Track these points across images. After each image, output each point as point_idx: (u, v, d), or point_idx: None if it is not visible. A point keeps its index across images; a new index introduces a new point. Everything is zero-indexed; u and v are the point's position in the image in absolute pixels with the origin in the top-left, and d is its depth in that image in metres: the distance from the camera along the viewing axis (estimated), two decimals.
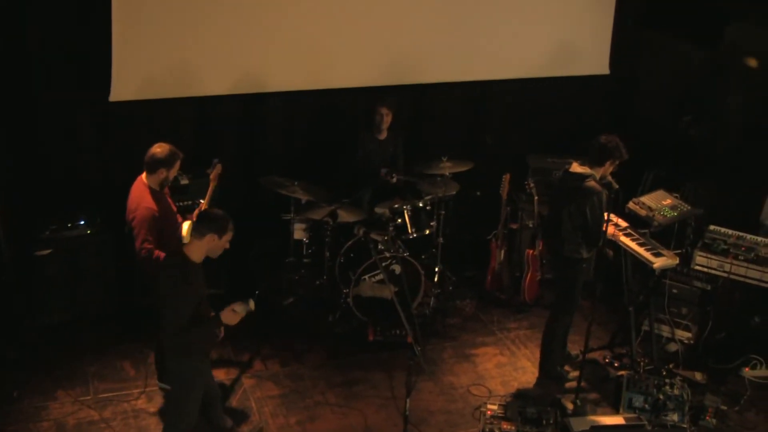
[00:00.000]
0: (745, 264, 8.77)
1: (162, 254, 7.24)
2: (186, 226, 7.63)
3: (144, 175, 7.50)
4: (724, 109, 10.92)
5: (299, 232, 9.58)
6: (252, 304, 6.51)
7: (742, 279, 8.84)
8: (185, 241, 7.49)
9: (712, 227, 9.17)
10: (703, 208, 9.31)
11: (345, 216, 9.31)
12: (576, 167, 8.01)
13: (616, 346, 9.20)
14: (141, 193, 7.40)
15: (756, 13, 10.11)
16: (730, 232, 9.08)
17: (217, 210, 6.61)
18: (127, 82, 9.06)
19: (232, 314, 6.46)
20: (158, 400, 8.04)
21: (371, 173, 9.97)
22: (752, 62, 10.24)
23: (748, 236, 9.02)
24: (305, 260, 9.68)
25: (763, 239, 8.99)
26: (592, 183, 7.85)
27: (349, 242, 9.42)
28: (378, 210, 9.65)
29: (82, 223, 9.01)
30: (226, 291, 9.29)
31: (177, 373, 6.67)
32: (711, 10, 10.57)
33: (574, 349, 8.94)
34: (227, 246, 6.57)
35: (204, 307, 6.59)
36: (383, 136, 10.01)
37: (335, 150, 10.16)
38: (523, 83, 11.12)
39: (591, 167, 7.95)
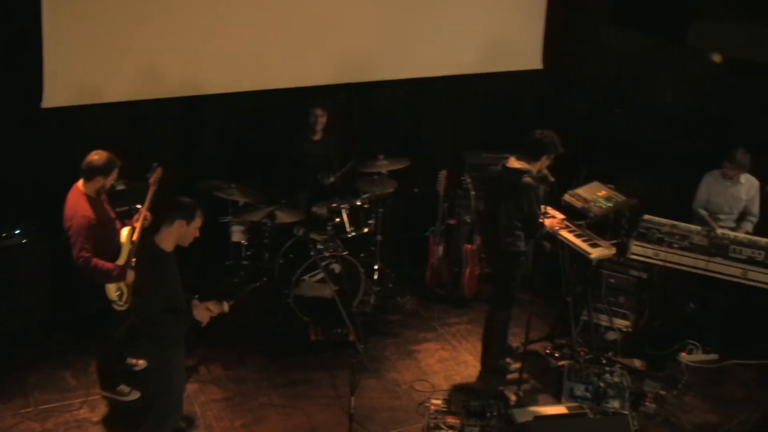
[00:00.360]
0: (680, 252, 8.92)
1: (101, 262, 7.21)
2: (125, 232, 7.59)
3: (81, 182, 7.44)
4: (654, 100, 11.11)
5: (237, 235, 9.55)
6: (226, 306, 6.59)
7: (676, 266, 8.98)
8: (124, 248, 7.50)
9: (646, 217, 9.28)
10: (637, 198, 9.40)
11: (283, 217, 9.28)
12: (513, 162, 8.07)
13: (556, 337, 9.29)
14: (77, 201, 7.34)
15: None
16: (664, 221, 9.20)
17: (186, 197, 6.61)
18: (60, 88, 8.96)
19: (205, 311, 6.52)
20: (101, 410, 7.95)
21: (308, 174, 9.94)
22: (717, 58, 10.44)
23: (682, 224, 9.16)
24: (244, 262, 9.65)
25: (696, 227, 9.14)
26: (528, 179, 7.92)
27: (289, 243, 9.40)
28: (316, 210, 9.64)
29: (18, 232, 8.90)
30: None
31: (156, 362, 6.72)
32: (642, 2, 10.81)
33: (515, 341, 9.00)
34: (197, 234, 6.59)
35: (178, 297, 6.58)
36: (318, 137, 10.01)
37: (272, 151, 10.11)
38: (458, 80, 11.18)
39: (527, 162, 8.02)
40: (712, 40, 10.29)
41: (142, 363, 8.45)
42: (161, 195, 7.95)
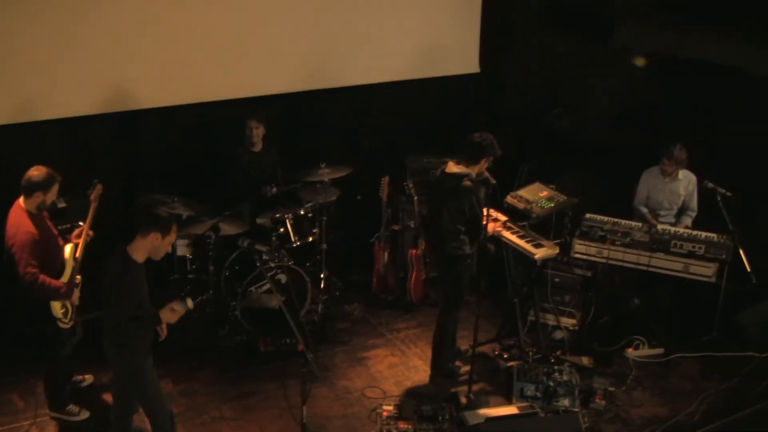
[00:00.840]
0: (622, 249, 9.06)
1: (48, 279, 7.15)
2: (68, 249, 7.53)
3: (21, 199, 7.37)
4: (590, 100, 11.28)
5: (182, 248, 9.45)
6: (190, 303, 6.61)
7: (620, 263, 9.13)
8: (68, 265, 7.44)
9: (588, 215, 9.43)
10: (578, 197, 9.47)
11: (227, 229, 9.25)
12: (452, 167, 8.10)
13: (504, 338, 9.33)
14: (19, 218, 7.27)
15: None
16: (606, 218, 9.35)
17: (164, 211, 6.77)
18: None
19: (171, 312, 6.55)
20: (50, 431, 7.85)
21: (250, 185, 9.92)
22: (639, 62, 10.62)
23: (623, 222, 9.31)
24: (190, 276, 9.57)
25: (637, 224, 9.30)
26: (468, 182, 7.94)
27: (234, 255, 9.36)
28: (260, 220, 9.62)
29: None
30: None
31: (126, 371, 6.75)
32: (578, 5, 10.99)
33: (463, 344, 9.02)
34: (169, 249, 6.68)
35: (145, 307, 6.63)
36: (258, 148, 9.99)
37: (214, 164, 10.08)
38: (398, 86, 11.22)
39: (467, 166, 8.05)
40: (636, 43, 10.59)
41: (89, 378, 8.41)
42: (102, 211, 7.90)
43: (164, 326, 6.94)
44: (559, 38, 11.24)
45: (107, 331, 6.61)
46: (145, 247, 6.51)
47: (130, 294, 6.44)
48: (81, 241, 7.58)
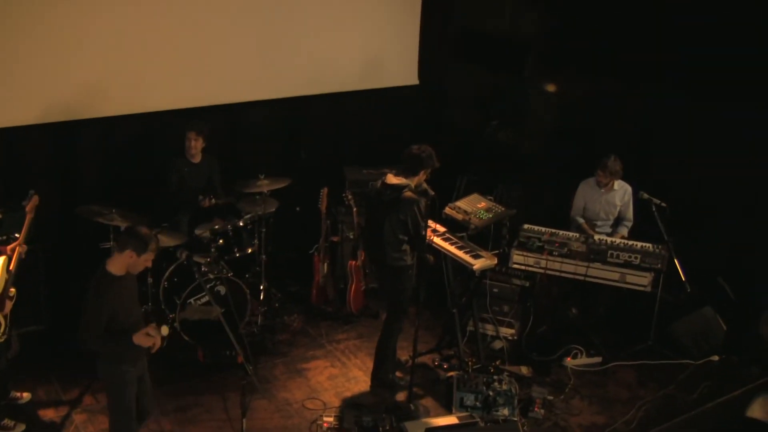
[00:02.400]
0: (560, 259, 9.16)
1: None
2: (0, 261, 7.45)
3: None
4: (528, 112, 11.41)
5: None
6: (165, 330, 6.63)
7: (557, 273, 9.22)
8: (0, 277, 7.35)
9: (526, 226, 9.48)
10: (516, 208, 9.59)
11: (166, 240, 9.11)
12: (391, 178, 8.12)
13: (444, 348, 9.39)
14: None
15: None
16: (543, 229, 9.41)
17: (144, 228, 6.65)
18: None
19: (144, 337, 6.55)
20: None
21: (189, 197, 9.83)
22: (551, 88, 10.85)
23: (561, 232, 9.39)
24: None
25: (575, 234, 9.39)
26: (409, 193, 7.98)
27: (172, 266, 9.30)
28: (198, 232, 9.55)
29: None
30: (49, 326, 9.18)
31: (104, 376, 6.78)
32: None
33: (403, 354, 9.03)
34: (149, 264, 6.69)
35: (126, 320, 6.62)
36: (197, 159, 9.90)
37: (152, 175, 9.96)
38: (336, 97, 11.22)
39: (406, 177, 8.08)
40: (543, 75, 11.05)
41: (26, 396, 8.27)
42: (39, 223, 7.84)
43: (157, 338, 6.80)
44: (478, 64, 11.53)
45: (78, 341, 6.54)
46: (121, 262, 6.52)
47: (100, 307, 6.42)
48: (15, 254, 7.50)
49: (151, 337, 6.58)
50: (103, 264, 6.53)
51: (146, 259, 6.58)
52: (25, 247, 7.62)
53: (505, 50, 11.38)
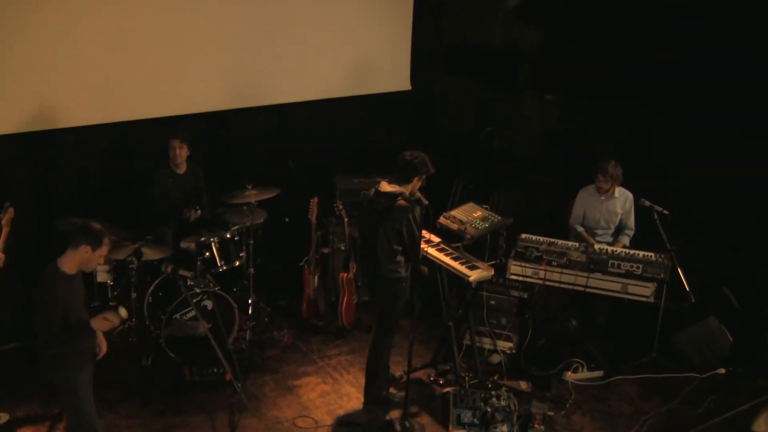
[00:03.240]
0: (559, 269, 9.04)
1: None
2: None
3: None
4: (523, 118, 11.39)
5: (102, 275, 9.27)
6: (123, 312, 6.59)
7: (556, 284, 9.11)
8: None
9: (523, 236, 9.41)
10: (512, 216, 9.51)
11: (150, 254, 9.09)
12: (385, 186, 8.04)
13: (440, 362, 9.29)
14: None
15: None
16: (542, 239, 9.33)
17: (96, 223, 6.66)
18: None
19: (103, 321, 6.51)
20: None
21: (174, 208, 9.78)
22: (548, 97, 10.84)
23: (559, 242, 9.31)
24: (111, 303, 9.31)
25: (574, 244, 9.30)
26: (402, 201, 7.89)
27: (157, 281, 9.25)
28: (184, 245, 9.48)
29: None
30: (27, 342, 9.05)
31: (61, 386, 6.71)
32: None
33: (397, 370, 8.97)
34: (101, 261, 6.69)
35: (77, 320, 6.56)
36: (182, 169, 9.85)
37: (134, 186, 9.91)
38: (326, 103, 11.17)
39: (399, 185, 8.00)
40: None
41: (4, 417, 8.19)
42: (15, 236, 7.82)
43: (103, 343, 6.88)
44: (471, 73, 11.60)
45: (39, 345, 6.52)
46: (75, 259, 6.48)
47: (55, 306, 6.37)
48: None
49: (109, 321, 6.54)
50: (54, 263, 6.50)
51: (100, 255, 6.59)
52: (2, 256, 7.63)
53: (497, 60, 11.44)
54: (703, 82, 9.48)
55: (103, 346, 6.88)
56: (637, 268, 8.86)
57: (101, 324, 6.52)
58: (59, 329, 6.37)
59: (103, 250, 6.56)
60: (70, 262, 6.48)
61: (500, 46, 11.52)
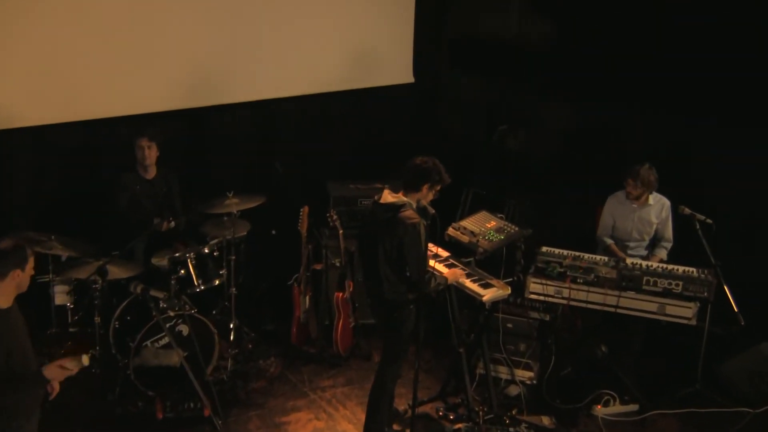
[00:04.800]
0: (585, 287, 8.87)
1: None
2: None
3: None
4: (540, 115, 11.38)
5: (61, 296, 9.19)
6: (86, 359, 6.31)
7: (583, 305, 8.96)
8: None
9: (544, 249, 9.28)
10: (531, 227, 9.35)
11: (116, 272, 8.95)
12: (387, 195, 7.90)
13: (450, 395, 9.19)
14: None
15: None
16: (565, 252, 9.20)
17: (6, 239, 6.64)
18: None
19: (59, 370, 6.27)
20: None
21: (142, 219, 9.70)
22: None
23: (586, 255, 9.17)
24: (71, 330, 9.28)
25: (603, 257, 9.15)
26: (408, 213, 7.73)
27: (125, 303, 9.09)
28: (156, 261, 9.42)
29: None
30: None
31: None
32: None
33: (401, 403, 8.84)
34: (32, 272, 6.46)
35: (23, 360, 6.31)
36: (151, 174, 9.81)
37: (98, 194, 9.86)
38: (318, 99, 11.20)
39: (405, 194, 7.86)
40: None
41: None
42: None
43: (55, 382, 6.61)
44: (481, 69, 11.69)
45: None
46: (8, 289, 6.28)
47: None
48: None
49: (67, 370, 6.29)
50: None
51: (30, 268, 6.40)
52: None
53: (510, 55, 11.48)
54: (747, 78, 9.48)
55: (56, 386, 6.63)
56: (677, 285, 8.69)
57: (56, 373, 6.27)
58: (2, 378, 6.14)
59: (31, 262, 6.37)
60: (3, 295, 6.28)
61: (515, 35, 11.55)
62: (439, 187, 7.92)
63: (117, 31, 9.69)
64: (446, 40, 12.04)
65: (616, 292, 8.79)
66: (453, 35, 11.99)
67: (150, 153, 9.65)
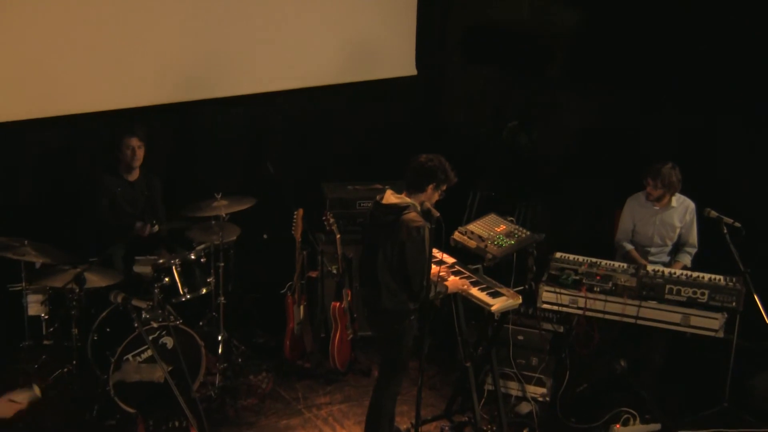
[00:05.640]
0: (603, 296, 8.84)
1: None
2: None
3: None
4: (555, 110, 11.35)
5: (35, 307, 9.06)
6: (37, 390, 6.56)
7: (600, 315, 8.91)
8: None
9: (557, 255, 9.29)
10: (544, 231, 9.21)
11: (95, 280, 8.86)
12: (390, 197, 7.84)
13: (456, 413, 9.13)
14: None
15: None
16: (581, 258, 9.19)
17: None
18: None
19: (8, 404, 6.43)
20: None
21: (123, 223, 9.68)
22: None
23: (603, 262, 9.14)
24: (46, 342, 9.15)
25: (621, 264, 9.12)
26: (411, 215, 7.67)
27: (104, 313, 9.04)
28: (138, 269, 9.21)
29: None
30: None
31: None
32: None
33: (404, 422, 8.81)
34: None
35: None
36: (135, 176, 9.77)
37: (75, 196, 9.81)
38: (313, 93, 11.17)
39: (409, 195, 7.82)
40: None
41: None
42: None
43: (23, 404, 6.66)
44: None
45: None
46: None
47: None
48: None
49: (17, 404, 6.23)
50: None
51: None
52: None
53: (524, 46, 11.44)
54: None
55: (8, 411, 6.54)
56: (702, 294, 8.63)
57: (4, 409, 6.19)
58: None
59: None
60: None
61: (527, 24, 11.52)
62: (444, 188, 7.88)
63: (98, 20, 9.62)
64: (452, 29, 12.00)
65: (636, 302, 8.77)
66: (459, 24, 11.94)
67: (139, 154, 9.63)
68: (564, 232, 10.10)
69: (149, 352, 8.75)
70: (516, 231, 9.00)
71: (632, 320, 8.81)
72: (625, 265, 9.12)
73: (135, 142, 9.57)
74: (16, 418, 6.45)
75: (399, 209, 7.69)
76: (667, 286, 8.70)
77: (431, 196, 7.82)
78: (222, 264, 9.64)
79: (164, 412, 8.51)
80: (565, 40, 11.25)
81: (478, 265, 8.75)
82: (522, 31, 11.54)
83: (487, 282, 8.54)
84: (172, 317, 9.05)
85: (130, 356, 8.82)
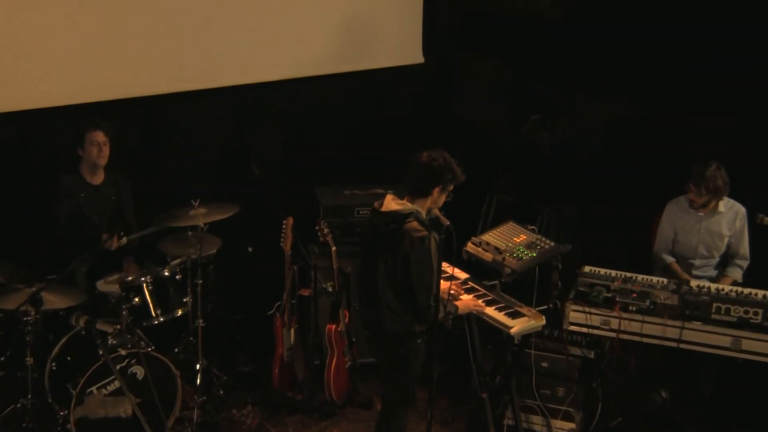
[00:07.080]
0: (639, 316, 8.64)
1: None
2: None
3: None
4: (578, 100, 11.28)
5: None
6: None
7: (636, 338, 8.70)
8: None
9: (586, 268, 9.16)
10: (570, 242, 9.19)
11: (54, 300, 8.57)
12: (390, 203, 7.68)
13: None
14: None
15: None
16: (613, 273, 9.06)
17: None
18: None
19: None
20: None
21: (86, 234, 9.51)
22: None
23: (639, 277, 9.01)
24: None
25: (661, 279, 8.98)
26: (414, 224, 7.51)
27: (64, 339, 8.83)
28: (103, 287, 9.21)
29: None
30: None
31: None
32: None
33: None
34: None
35: None
36: (100, 179, 9.64)
37: (30, 203, 9.69)
38: (305, 84, 11.11)
39: (412, 200, 7.67)
40: None
41: None
42: None
43: None
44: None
45: None
46: None
47: None
48: None
49: None
50: None
51: None
52: None
53: (542, 33, 11.40)
54: None
55: None
56: (755, 314, 8.40)
57: None
58: None
59: None
60: None
61: (548, 8, 11.49)
62: (452, 187, 7.73)
63: (62, 10, 9.50)
64: (462, 13, 11.96)
65: (679, 323, 8.54)
66: (470, 8, 11.90)
67: (105, 150, 9.46)
68: (594, 242, 10.01)
69: (116, 384, 8.51)
70: (538, 241, 8.98)
71: (674, 344, 8.57)
72: (665, 280, 8.97)
73: (100, 136, 9.43)
74: None
75: (401, 217, 7.54)
76: (715, 305, 8.47)
77: (438, 199, 7.70)
78: (200, 281, 9.51)
79: None
80: (591, 26, 11.13)
81: (495, 281, 8.69)
82: (542, 16, 11.48)
83: (505, 300, 8.48)
84: (143, 343, 8.89)
85: (94, 389, 8.58)
